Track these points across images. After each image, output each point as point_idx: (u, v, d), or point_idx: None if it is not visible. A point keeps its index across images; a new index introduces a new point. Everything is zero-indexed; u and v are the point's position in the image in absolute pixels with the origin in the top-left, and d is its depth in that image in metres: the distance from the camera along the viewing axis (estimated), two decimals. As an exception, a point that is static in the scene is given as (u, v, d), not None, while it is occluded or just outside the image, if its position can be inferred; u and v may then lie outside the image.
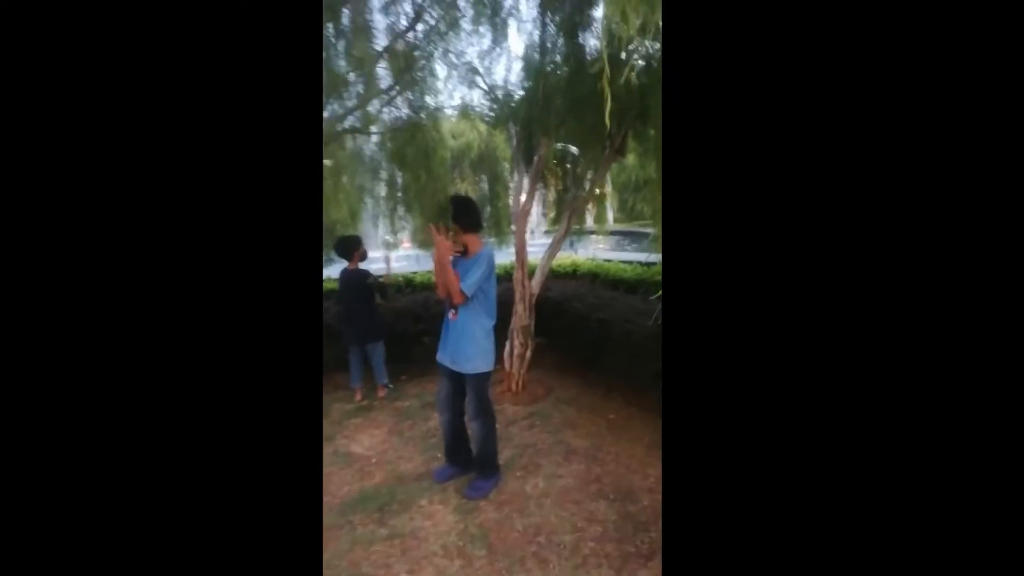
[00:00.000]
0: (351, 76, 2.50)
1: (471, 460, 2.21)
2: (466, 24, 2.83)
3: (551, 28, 2.61)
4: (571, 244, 4.22)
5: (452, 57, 2.89)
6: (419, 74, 2.50)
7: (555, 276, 4.46)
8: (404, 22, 2.53)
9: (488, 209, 4.27)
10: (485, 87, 3.30)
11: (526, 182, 3.17)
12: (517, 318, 3.19)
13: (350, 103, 2.65)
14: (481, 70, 3.18)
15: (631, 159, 3.56)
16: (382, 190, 3.67)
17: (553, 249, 3.35)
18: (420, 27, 2.61)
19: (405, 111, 2.52)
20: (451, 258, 2.02)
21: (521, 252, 3.18)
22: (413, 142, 2.44)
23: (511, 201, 3.97)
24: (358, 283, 3.18)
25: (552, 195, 4.09)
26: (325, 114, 2.54)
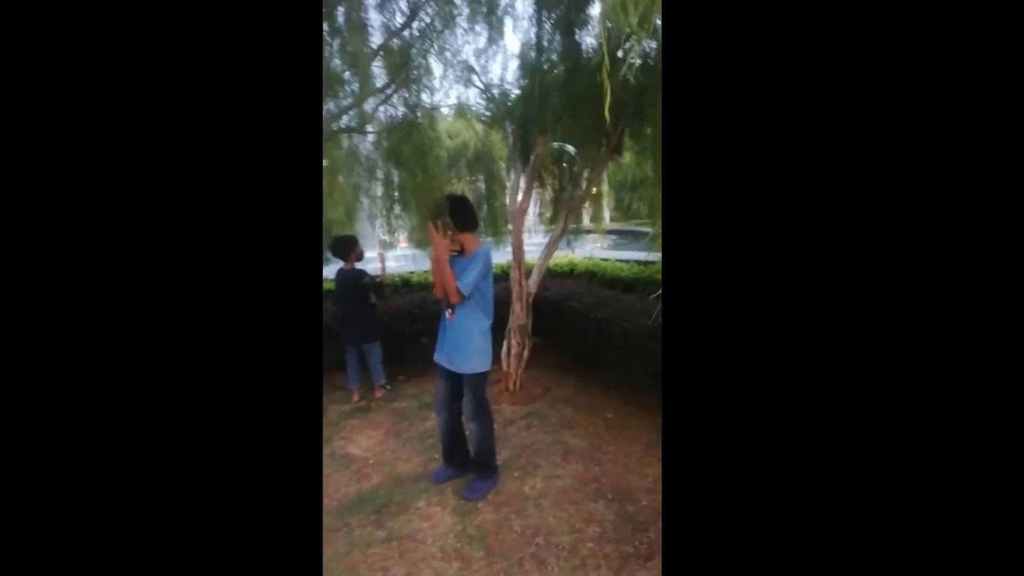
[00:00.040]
0: (346, 75, 2.48)
1: (469, 461, 2.20)
2: (462, 22, 2.81)
3: (547, 25, 2.59)
4: (568, 243, 4.21)
5: (448, 55, 2.88)
6: (415, 72, 2.48)
7: (552, 275, 4.46)
8: (399, 19, 2.51)
9: (485, 208, 4.26)
10: (481, 86, 3.29)
11: (523, 181, 3.16)
12: (514, 317, 3.18)
13: (345, 102, 2.63)
14: (477, 68, 3.17)
15: (627, 157, 3.55)
16: (378, 189, 3.64)
17: (550, 248, 3.34)
18: (416, 25, 2.59)
19: (401, 109, 2.50)
20: (448, 257, 2.01)
21: (518, 251, 3.17)
22: (409, 140, 2.42)
23: (508, 200, 3.96)
24: (354, 283, 3.16)
25: (549, 194, 4.08)
26: (321, 113, 2.52)
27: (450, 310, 2.04)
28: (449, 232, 2.01)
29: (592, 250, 5.66)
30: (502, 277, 3.82)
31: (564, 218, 3.25)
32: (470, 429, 2.13)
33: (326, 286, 3.52)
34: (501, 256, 3.92)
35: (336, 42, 2.33)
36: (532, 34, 2.72)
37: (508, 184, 3.90)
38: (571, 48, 2.58)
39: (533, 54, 2.72)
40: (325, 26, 2.22)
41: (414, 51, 2.56)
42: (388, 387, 3.36)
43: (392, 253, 4.01)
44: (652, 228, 3.26)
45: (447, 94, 4.75)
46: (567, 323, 3.51)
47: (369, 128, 3.13)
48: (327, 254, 3.31)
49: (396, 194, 3.27)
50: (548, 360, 3.74)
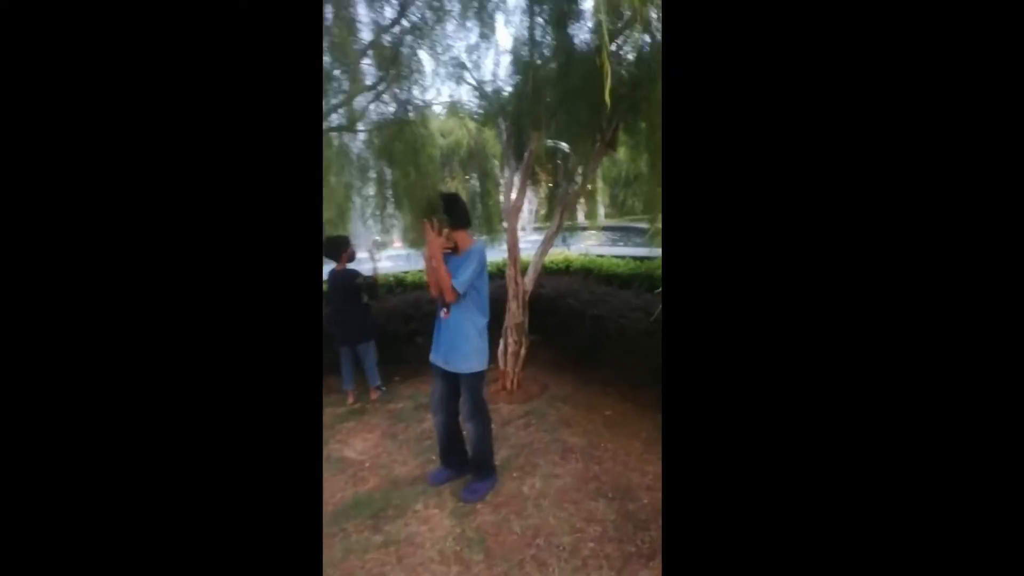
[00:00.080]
0: (336, 72, 2.43)
1: (467, 462, 2.17)
2: (453, 18, 2.77)
3: (539, 19, 2.56)
4: (563, 240, 4.19)
5: (439, 51, 2.84)
6: (405, 69, 2.44)
7: (548, 272, 4.43)
8: (389, 14, 2.46)
9: (479, 206, 4.22)
10: (473, 82, 3.25)
11: (517, 178, 3.13)
12: (510, 315, 3.15)
13: (335, 100, 2.58)
14: (469, 65, 3.13)
15: (621, 152, 3.53)
16: (370, 189, 3.60)
17: (545, 245, 3.31)
18: (406, 21, 2.55)
19: (392, 105, 2.46)
20: (442, 255, 1.97)
21: (513, 249, 3.13)
22: (401, 136, 2.38)
23: (502, 198, 3.93)
24: (347, 284, 3.12)
25: (543, 191, 4.05)
26: (311, 111, 2.47)
27: (445, 309, 2.01)
28: (445, 231, 1.97)
29: (587, 247, 5.64)
30: (497, 275, 3.79)
31: (559, 214, 3.22)
32: (467, 429, 2.11)
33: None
34: (496, 254, 3.90)
35: (325, 39, 2.28)
36: (524, 28, 2.69)
37: (502, 181, 3.86)
38: (564, 42, 2.55)
39: (525, 49, 2.69)
40: (313, 22, 2.18)
41: (404, 48, 2.52)
42: (384, 388, 3.33)
43: (386, 253, 3.97)
44: (647, 224, 3.24)
45: (439, 91, 4.71)
46: (563, 320, 3.49)
47: (360, 126, 3.09)
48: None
49: (389, 193, 3.24)
50: (545, 358, 3.72)
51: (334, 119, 2.79)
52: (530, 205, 4.58)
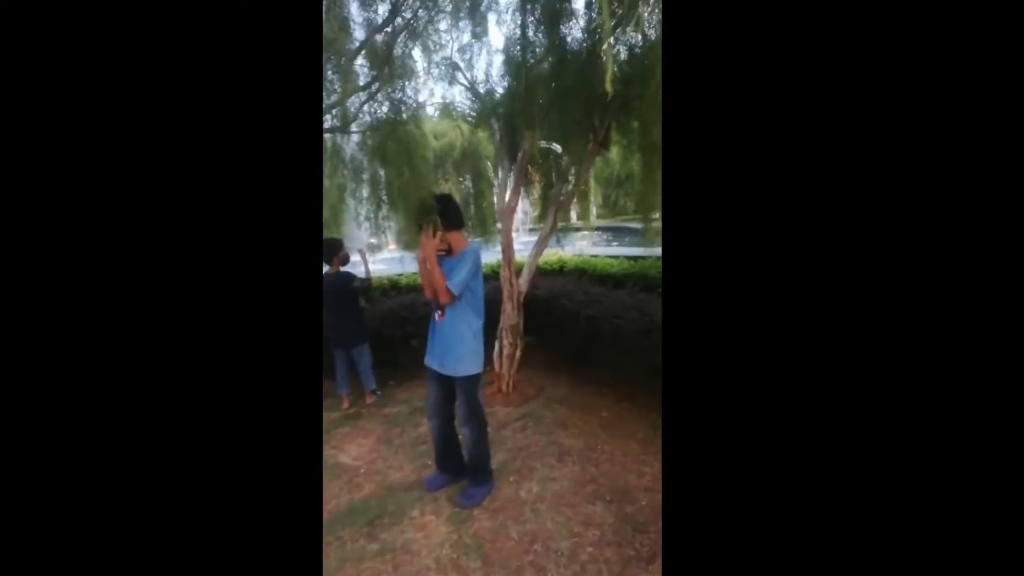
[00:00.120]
0: (328, 72, 2.41)
1: (463, 467, 2.14)
2: (445, 16, 2.75)
3: (531, 18, 2.54)
4: (557, 240, 4.17)
5: (431, 47, 2.82)
6: (399, 68, 2.42)
7: (542, 273, 4.41)
8: (381, 13, 2.44)
9: (473, 208, 4.20)
10: (466, 83, 3.23)
11: (511, 179, 3.11)
12: (505, 317, 3.13)
13: (328, 101, 2.55)
14: (462, 65, 3.11)
15: (614, 152, 3.52)
16: (364, 190, 3.57)
17: (540, 246, 3.29)
18: (398, 20, 2.52)
19: (385, 104, 2.44)
20: (436, 257, 1.95)
21: (508, 250, 3.11)
22: (394, 136, 2.36)
23: (495, 199, 3.91)
24: (341, 287, 3.09)
25: (537, 191, 4.03)
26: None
27: (440, 311, 1.98)
28: (439, 232, 1.95)
29: (582, 247, 5.63)
30: (492, 276, 3.76)
31: (553, 215, 3.20)
32: (463, 433, 2.08)
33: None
34: (490, 255, 3.88)
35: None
36: (516, 28, 2.67)
37: (496, 183, 3.84)
38: (556, 41, 2.54)
39: (518, 48, 2.67)
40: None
41: (397, 47, 2.50)
42: (379, 392, 3.29)
43: (379, 255, 3.94)
44: (640, 223, 3.24)
45: (432, 92, 4.70)
46: (558, 321, 3.47)
47: (353, 128, 3.06)
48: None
49: (383, 195, 3.21)
50: (540, 359, 3.69)
51: (328, 120, 2.76)
52: (524, 206, 4.56)
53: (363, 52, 2.45)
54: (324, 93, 2.48)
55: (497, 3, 2.83)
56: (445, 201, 2.03)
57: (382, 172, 2.97)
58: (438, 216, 1.95)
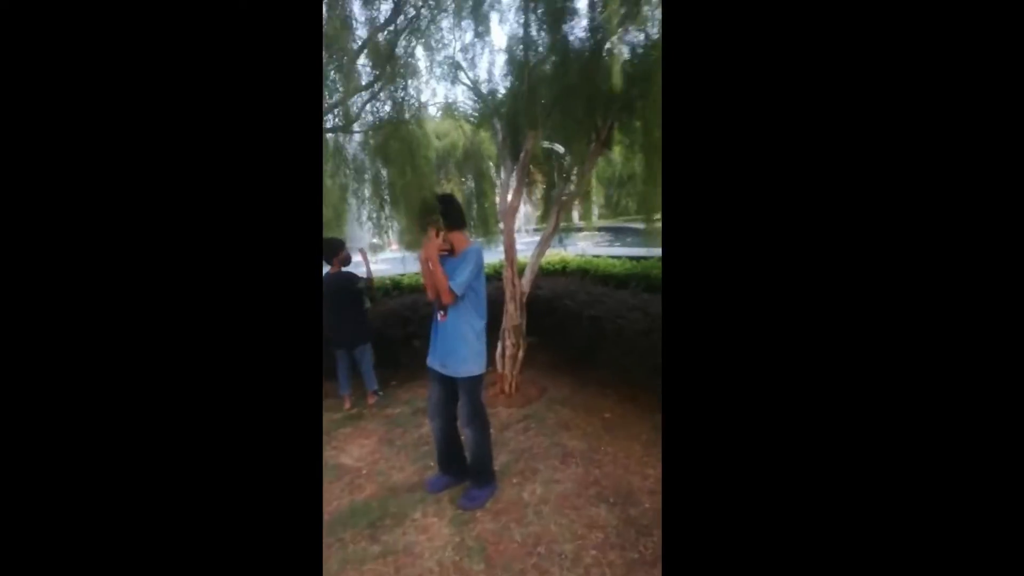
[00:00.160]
0: (331, 72, 2.39)
1: (465, 468, 2.13)
2: (448, 17, 2.74)
3: (534, 17, 2.53)
4: (560, 240, 4.16)
5: (434, 51, 2.80)
6: (401, 67, 2.41)
7: (544, 273, 4.40)
8: (384, 11, 2.42)
9: (475, 208, 4.19)
10: (469, 82, 3.22)
11: (513, 179, 3.09)
12: (508, 317, 3.12)
13: (331, 100, 2.54)
14: (464, 64, 3.10)
15: (616, 152, 3.51)
16: (366, 190, 3.56)
17: (542, 246, 3.28)
18: (401, 20, 2.51)
19: (388, 106, 2.42)
20: (438, 257, 1.94)
21: (510, 250, 3.10)
22: (397, 136, 2.35)
23: (498, 199, 3.89)
24: (341, 287, 3.08)
25: (539, 192, 4.02)
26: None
27: (442, 311, 1.97)
28: (442, 232, 1.93)
29: (584, 247, 5.62)
30: (494, 276, 3.75)
31: (556, 215, 3.19)
32: (466, 435, 2.06)
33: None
34: (493, 256, 3.86)
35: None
36: (519, 27, 2.66)
37: (498, 183, 3.83)
38: (559, 41, 2.52)
39: (520, 48, 2.66)
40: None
41: (399, 46, 2.48)
42: (381, 393, 3.28)
43: (381, 255, 3.93)
44: (643, 223, 3.22)
45: (434, 91, 4.69)
46: (561, 321, 3.46)
47: (355, 127, 3.04)
48: (313, 258, 3.22)
49: (386, 194, 3.20)
50: (543, 360, 3.68)
51: (330, 120, 2.75)
52: (526, 206, 4.55)
53: (365, 51, 2.44)
54: (327, 92, 2.47)
55: (500, 2, 2.82)
56: (447, 201, 2.02)
57: (384, 172, 2.96)
58: (440, 216, 1.94)
